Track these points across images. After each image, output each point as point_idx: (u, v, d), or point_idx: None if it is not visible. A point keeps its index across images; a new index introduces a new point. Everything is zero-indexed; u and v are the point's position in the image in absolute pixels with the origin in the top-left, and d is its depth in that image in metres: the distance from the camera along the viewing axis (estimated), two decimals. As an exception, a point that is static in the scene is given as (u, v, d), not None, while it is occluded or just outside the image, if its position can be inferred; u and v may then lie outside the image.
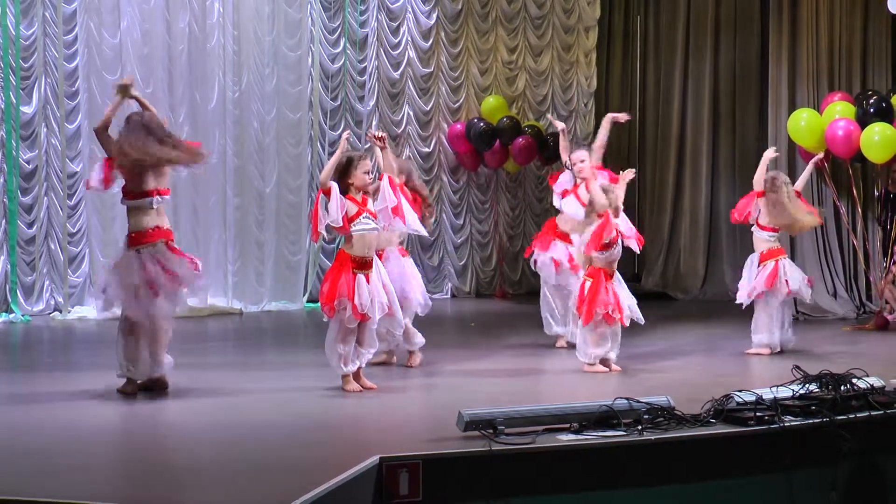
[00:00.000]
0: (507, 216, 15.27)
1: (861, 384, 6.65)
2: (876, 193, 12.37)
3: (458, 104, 14.87)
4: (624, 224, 8.63)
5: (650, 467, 5.88)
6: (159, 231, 7.34)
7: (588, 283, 8.41)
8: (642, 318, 8.59)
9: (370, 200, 7.54)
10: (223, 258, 12.59)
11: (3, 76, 11.43)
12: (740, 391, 6.42)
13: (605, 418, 5.99)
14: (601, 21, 15.09)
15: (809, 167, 10.16)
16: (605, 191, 8.55)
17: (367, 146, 12.72)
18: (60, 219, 11.83)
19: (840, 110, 11.90)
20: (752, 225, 9.62)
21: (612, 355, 8.50)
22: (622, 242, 8.54)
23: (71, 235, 11.91)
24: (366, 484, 5.18)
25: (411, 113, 14.55)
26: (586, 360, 8.46)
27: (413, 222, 7.68)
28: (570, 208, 9.54)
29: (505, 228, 15.23)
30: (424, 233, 8.14)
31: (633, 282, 14.35)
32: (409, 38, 14.52)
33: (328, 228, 7.43)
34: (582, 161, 9.50)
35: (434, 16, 14.67)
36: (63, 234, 11.84)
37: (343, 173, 7.43)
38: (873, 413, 6.47)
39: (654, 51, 15.34)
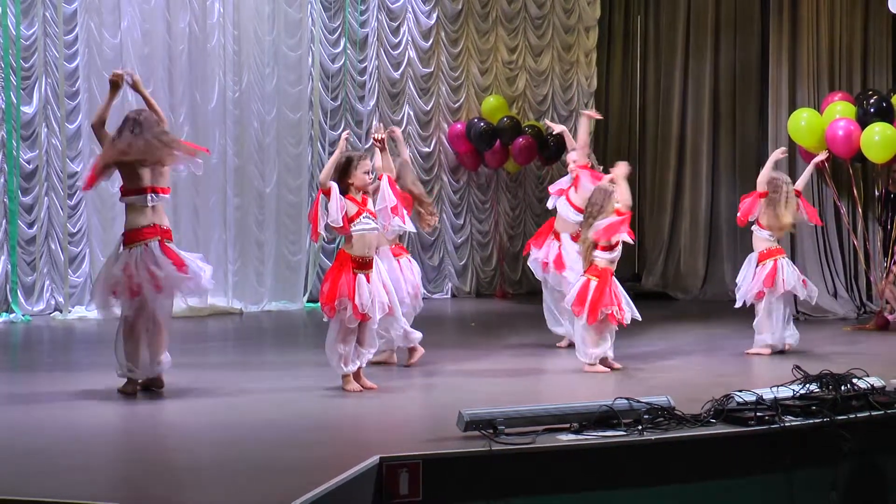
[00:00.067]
0: (507, 216, 15.27)
1: (861, 384, 6.65)
2: (876, 193, 12.37)
3: (458, 104, 14.87)
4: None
5: (650, 467, 5.88)
6: (155, 229, 7.29)
7: (593, 283, 8.40)
8: (639, 314, 8.60)
9: (370, 200, 7.55)
10: (223, 258, 12.59)
11: (4, 76, 11.43)
12: (740, 391, 6.42)
13: (605, 418, 5.99)
14: (601, 21, 15.09)
15: (810, 167, 10.16)
16: (604, 190, 8.55)
17: (367, 146, 12.74)
18: (61, 219, 11.84)
19: (840, 110, 11.89)
20: (753, 224, 9.62)
21: (610, 353, 8.51)
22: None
23: (71, 235, 11.91)
24: (366, 484, 5.18)
25: (411, 113, 14.56)
26: (586, 361, 8.46)
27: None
28: (560, 209, 9.68)
29: (505, 228, 15.23)
30: (411, 229, 8.17)
31: (633, 282, 14.47)
32: (410, 38, 14.52)
33: (328, 228, 7.44)
34: (574, 162, 9.62)
35: (434, 16, 14.68)
36: (63, 234, 11.84)
37: (343, 173, 7.44)
38: (874, 413, 6.47)
39: (655, 51, 15.35)
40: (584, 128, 9.85)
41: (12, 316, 11.38)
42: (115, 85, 7.41)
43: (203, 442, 6.08)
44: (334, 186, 7.37)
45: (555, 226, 9.81)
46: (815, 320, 11.91)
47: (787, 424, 6.15)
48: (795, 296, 9.72)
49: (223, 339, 11.02)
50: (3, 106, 11.47)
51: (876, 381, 6.75)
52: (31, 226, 11.71)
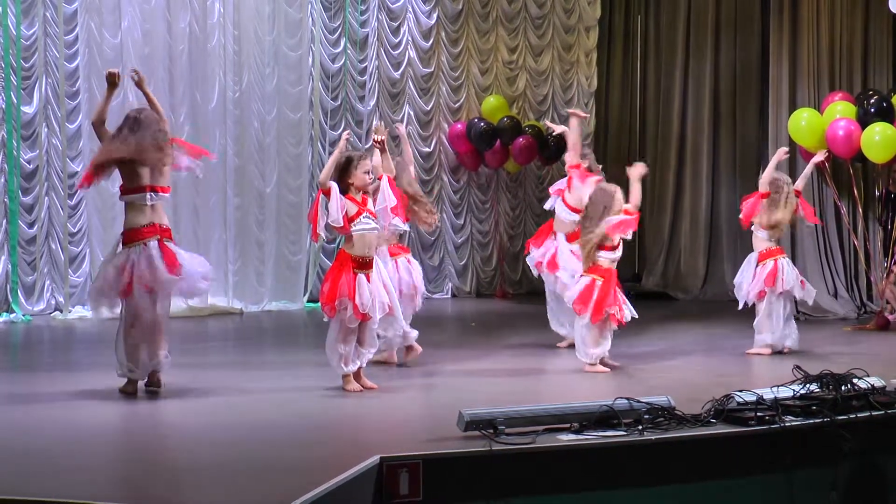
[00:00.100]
0: (507, 216, 15.27)
1: (862, 384, 6.64)
2: (877, 193, 12.37)
3: (458, 104, 14.87)
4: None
5: (650, 467, 5.88)
6: (154, 229, 7.28)
7: (598, 283, 8.40)
8: (636, 312, 8.61)
9: (370, 200, 7.55)
10: (223, 258, 12.59)
11: (4, 76, 11.44)
12: (741, 391, 6.42)
13: (605, 418, 5.98)
14: (602, 21, 15.09)
15: (809, 167, 10.14)
16: (605, 191, 8.55)
17: (367, 146, 12.74)
18: (61, 219, 11.84)
19: (841, 110, 11.89)
20: (753, 224, 9.61)
21: (607, 353, 8.53)
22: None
23: (72, 235, 11.91)
24: (366, 484, 5.18)
25: (412, 113, 14.56)
26: (587, 360, 8.46)
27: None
28: (556, 209, 9.77)
29: (505, 228, 15.23)
30: (405, 228, 8.16)
31: (633, 282, 14.48)
32: (410, 38, 14.52)
33: (328, 228, 7.44)
34: (566, 163, 9.71)
35: (434, 16, 14.68)
36: (64, 234, 11.84)
37: (343, 173, 7.44)
38: (874, 413, 6.46)
39: (655, 50, 15.35)
40: (575, 128, 9.87)
41: (13, 316, 11.38)
42: (112, 83, 7.40)
43: (203, 442, 6.07)
44: (334, 186, 7.37)
45: (553, 226, 9.85)
46: (816, 320, 11.91)
47: (787, 424, 6.15)
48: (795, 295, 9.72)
49: (223, 338, 11.02)
50: (3, 106, 11.47)
51: (876, 381, 6.74)
52: (31, 226, 11.71)
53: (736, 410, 6.22)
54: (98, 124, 7.39)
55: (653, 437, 5.88)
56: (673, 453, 5.93)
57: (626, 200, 8.52)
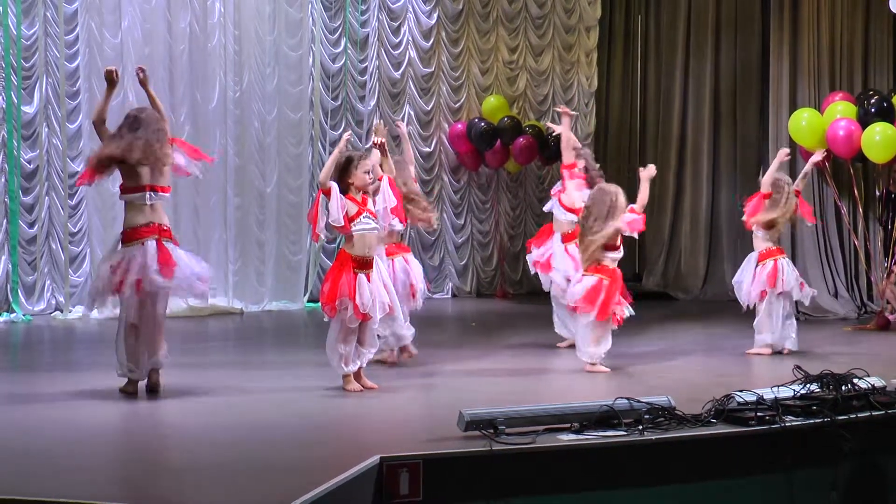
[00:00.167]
0: (507, 216, 15.27)
1: (862, 384, 6.64)
2: (877, 193, 12.37)
3: (458, 104, 14.87)
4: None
5: (651, 467, 5.88)
6: (153, 228, 7.28)
7: (605, 282, 8.40)
8: (632, 310, 8.63)
9: (370, 200, 7.55)
10: (224, 258, 12.59)
11: (5, 76, 11.44)
12: (741, 391, 6.41)
13: (605, 418, 5.98)
14: (602, 21, 15.09)
15: (808, 166, 10.10)
16: (606, 191, 8.56)
17: (367, 145, 12.73)
18: (61, 218, 11.84)
19: (841, 110, 11.89)
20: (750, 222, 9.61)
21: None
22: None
23: (72, 235, 11.91)
24: (366, 484, 5.18)
25: (412, 113, 14.56)
26: (588, 360, 8.46)
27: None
28: (555, 209, 9.81)
29: (506, 228, 15.23)
30: (399, 227, 8.16)
31: (633, 282, 14.45)
32: (410, 38, 14.52)
33: (329, 228, 7.44)
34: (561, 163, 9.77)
35: (435, 15, 14.68)
36: (64, 234, 11.85)
37: (343, 173, 7.44)
38: (874, 413, 6.46)
39: (655, 50, 15.35)
40: (565, 126, 9.89)
41: (13, 316, 11.38)
42: (111, 81, 7.40)
43: (203, 442, 6.07)
44: (334, 186, 7.36)
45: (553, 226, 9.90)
46: (816, 320, 11.91)
47: (787, 424, 6.15)
48: (794, 295, 9.73)
49: (224, 338, 11.02)
50: (3, 106, 11.48)
51: (877, 381, 6.75)
52: (31, 225, 11.71)
53: (736, 410, 6.22)
54: (98, 123, 7.38)
55: (653, 437, 5.88)
56: (673, 453, 5.93)
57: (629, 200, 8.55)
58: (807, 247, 12.58)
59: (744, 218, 9.64)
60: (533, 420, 5.93)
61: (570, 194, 9.39)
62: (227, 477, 5.18)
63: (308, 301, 13.19)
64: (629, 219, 8.43)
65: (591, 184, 9.62)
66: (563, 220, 9.60)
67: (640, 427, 5.94)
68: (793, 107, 12.66)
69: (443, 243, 14.81)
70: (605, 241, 8.37)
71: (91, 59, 11.87)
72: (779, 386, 6.54)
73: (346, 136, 7.83)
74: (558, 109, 10.34)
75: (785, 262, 9.53)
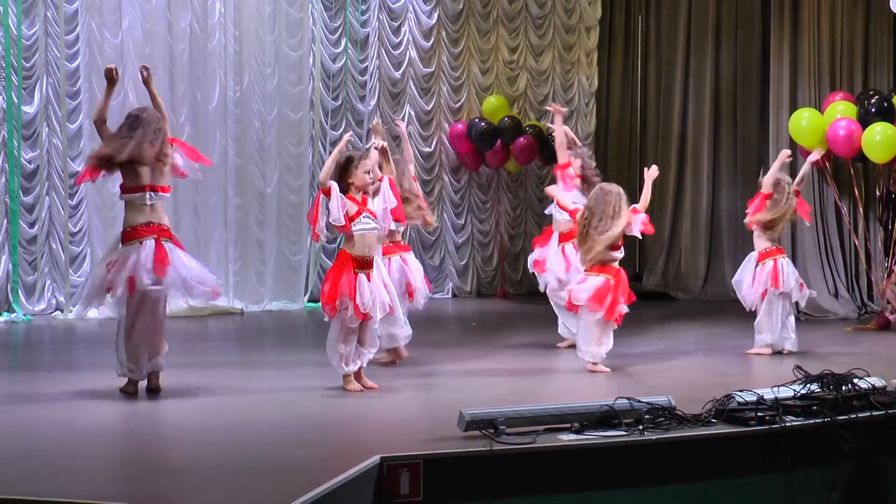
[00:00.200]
0: (508, 216, 15.27)
1: (862, 384, 6.64)
2: (877, 193, 12.36)
3: (459, 104, 14.87)
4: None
5: (651, 467, 5.87)
6: (153, 228, 7.27)
7: (612, 282, 8.41)
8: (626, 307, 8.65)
9: (370, 200, 7.55)
10: (224, 258, 12.60)
11: (5, 76, 11.44)
12: (741, 391, 6.41)
13: (605, 418, 5.98)
14: (602, 21, 15.09)
15: (807, 165, 10.06)
16: (608, 190, 8.56)
17: (367, 145, 12.73)
18: (62, 218, 11.84)
19: (841, 110, 11.89)
20: (748, 221, 9.60)
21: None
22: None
23: (72, 235, 11.92)
24: (366, 484, 5.18)
25: (412, 113, 14.56)
26: (590, 360, 8.44)
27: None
28: (553, 209, 9.84)
29: (506, 228, 15.23)
30: (394, 226, 8.15)
31: (634, 281, 14.40)
32: (411, 38, 14.53)
33: (329, 227, 7.44)
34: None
35: (435, 15, 14.68)
36: (64, 234, 11.85)
37: (343, 172, 7.44)
38: (874, 413, 6.46)
39: (656, 50, 15.35)
40: (558, 125, 9.91)
41: (13, 315, 11.38)
42: (112, 79, 7.39)
43: (203, 442, 6.07)
44: (334, 185, 7.36)
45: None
46: (816, 320, 11.91)
47: (787, 424, 6.14)
48: (794, 295, 9.73)
49: (224, 338, 11.02)
50: (4, 105, 11.48)
51: (877, 381, 6.74)
52: (32, 225, 11.72)
53: (736, 410, 6.22)
54: (99, 123, 7.38)
55: (653, 437, 5.88)
56: (673, 453, 5.93)
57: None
58: (807, 247, 12.58)
59: (746, 219, 9.61)
60: (533, 420, 5.93)
61: (558, 195, 9.37)
62: (227, 477, 5.18)
63: (308, 301, 13.20)
64: (640, 221, 8.46)
65: (587, 183, 9.64)
66: (560, 219, 9.62)
67: (641, 427, 5.94)
68: (793, 107, 12.66)
69: (443, 243, 14.82)
70: (612, 242, 8.38)
71: (91, 59, 11.87)
72: (779, 386, 6.53)
73: (347, 136, 7.85)
74: (549, 108, 10.35)
75: (785, 262, 9.53)
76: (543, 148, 14.46)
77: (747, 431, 6.08)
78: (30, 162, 11.70)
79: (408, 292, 8.78)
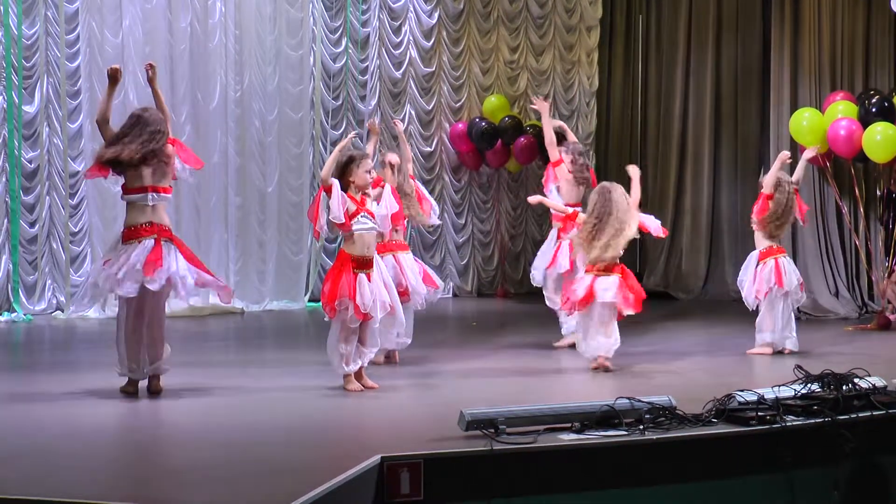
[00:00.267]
0: (508, 215, 15.27)
1: (863, 384, 6.63)
2: (878, 193, 12.35)
3: (459, 103, 14.87)
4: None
5: (651, 467, 5.87)
6: (153, 228, 7.27)
7: (628, 280, 8.44)
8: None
9: (369, 200, 7.54)
10: (225, 257, 12.60)
11: (6, 75, 11.44)
12: (742, 391, 6.41)
13: (606, 418, 5.98)
14: (603, 20, 15.08)
15: (802, 161, 10.01)
16: (611, 189, 8.56)
17: (366, 145, 12.73)
18: (62, 218, 11.84)
19: (842, 110, 11.88)
20: (753, 223, 9.59)
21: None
22: None
23: (73, 235, 11.91)
24: (367, 483, 5.18)
25: (413, 112, 14.56)
26: (605, 354, 8.40)
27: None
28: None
29: (507, 228, 15.23)
30: (383, 229, 8.16)
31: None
32: (411, 38, 14.53)
33: (330, 226, 7.43)
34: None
35: (436, 15, 14.68)
36: (65, 234, 11.84)
37: (343, 171, 7.44)
38: (875, 413, 6.46)
39: (656, 50, 15.34)
40: (545, 120, 9.91)
41: (14, 315, 11.38)
42: (114, 79, 7.39)
43: (204, 442, 6.07)
44: (336, 183, 7.36)
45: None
46: (817, 320, 11.90)
47: (788, 424, 6.14)
48: (795, 295, 9.73)
49: (224, 338, 11.02)
50: (4, 105, 11.48)
51: (877, 381, 6.74)
52: (32, 225, 11.72)
53: (737, 410, 6.22)
54: (102, 123, 7.37)
55: (654, 437, 5.88)
56: (674, 453, 5.92)
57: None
58: (808, 246, 12.56)
59: (753, 223, 9.56)
60: (534, 420, 5.93)
61: (549, 203, 9.42)
62: (227, 477, 5.18)
63: (309, 301, 13.20)
64: (648, 217, 8.57)
65: (578, 180, 9.66)
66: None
67: (642, 427, 5.94)
68: (794, 106, 12.65)
69: (443, 243, 14.81)
70: (629, 239, 8.42)
71: (92, 59, 11.87)
72: (780, 386, 6.53)
73: (351, 135, 7.88)
74: (534, 104, 10.31)
75: (786, 262, 9.53)
76: (544, 148, 14.43)
77: (748, 431, 6.07)
78: (30, 162, 11.70)
79: (402, 292, 8.71)
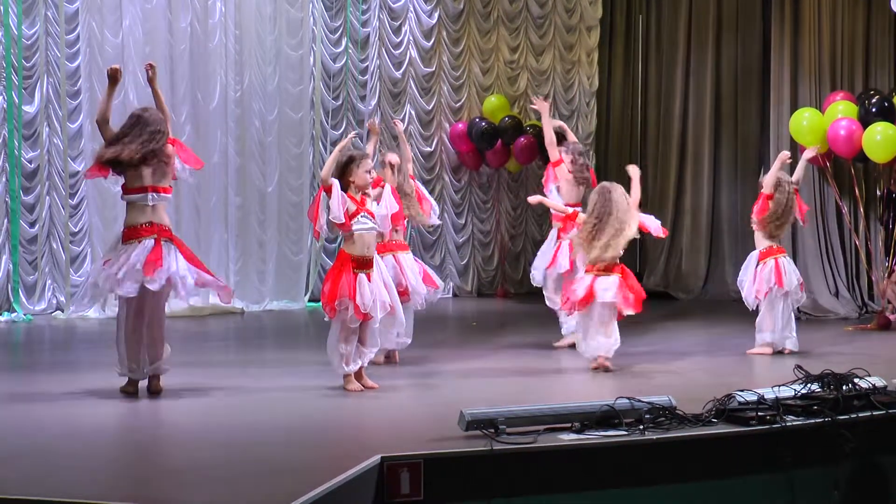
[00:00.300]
0: (508, 215, 15.27)
1: (863, 384, 6.63)
2: (878, 193, 12.35)
3: (459, 103, 14.87)
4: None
5: (651, 467, 5.87)
6: (153, 228, 7.27)
7: (627, 280, 8.44)
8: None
9: (369, 200, 7.54)
10: (225, 258, 12.60)
11: (6, 75, 11.45)
12: (742, 391, 6.41)
13: (606, 418, 5.98)
14: (603, 20, 15.08)
15: (802, 161, 10.01)
16: (610, 189, 8.56)
17: (366, 145, 12.73)
18: (62, 218, 11.84)
19: (842, 110, 11.88)
20: (753, 223, 9.60)
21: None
22: None
23: (73, 235, 11.91)
24: (367, 483, 5.18)
25: (413, 112, 14.56)
26: (605, 354, 8.41)
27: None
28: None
29: (507, 228, 15.23)
30: (383, 229, 8.15)
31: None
32: (411, 38, 14.53)
33: (330, 226, 7.43)
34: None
35: (436, 15, 14.68)
36: (65, 234, 11.84)
37: (343, 171, 7.44)
38: (875, 413, 6.46)
39: (656, 50, 15.34)
40: (547, 123, 9.91)
41: (13, 315, 11.38)
42: (114, 79, 7.39)
43: (204, 442, 6.07)
44: (336, 183, 7.36)
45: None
46: (817, 320, 11.90)
47: (788, 424, 6.14)
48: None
49: (224, 338, 11.02)
50: (4, 105, 11.48)
51: (877, 381, 6.74)
52: (32, 225, 11.72)
53: (737, 410, 6.22)
54: (102, 123, 7.37)
55: (654, 437, 5.88)
56: (674, 453, 5.92)
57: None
58: (808, 246, 12.56)
59: (753, 223, 9.55)
60: (534, 420, 5.93)
61: (549, 203, 9.43)
62: (227, 477, 5.18)
63: (309, 301, 13.20)
64: (655, 224, 8.57)
65: (578, 180, 9.66)
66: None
67: (642, 427, 5.94)
68: (794, 106, 12.65)
69: (444, 243, 14.81)
70: (630, 239, 8.43)
71: (92, 59, 11.87)
72: (780, 385, 6.53)
73: (351, 136, 7.88)
74: (533, 104, 10.31)
75: (786, 261, 9.53)
76: (544, 148, 14.43)
77: (748, 431, 6.07)
78: (30, 161, 11.70)
79: (402, 292, 8.72)
